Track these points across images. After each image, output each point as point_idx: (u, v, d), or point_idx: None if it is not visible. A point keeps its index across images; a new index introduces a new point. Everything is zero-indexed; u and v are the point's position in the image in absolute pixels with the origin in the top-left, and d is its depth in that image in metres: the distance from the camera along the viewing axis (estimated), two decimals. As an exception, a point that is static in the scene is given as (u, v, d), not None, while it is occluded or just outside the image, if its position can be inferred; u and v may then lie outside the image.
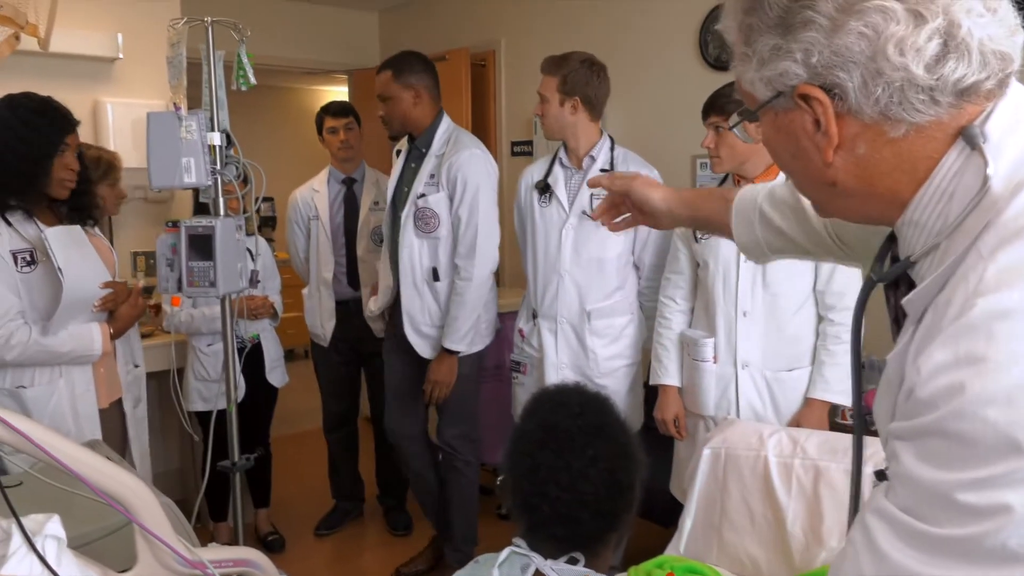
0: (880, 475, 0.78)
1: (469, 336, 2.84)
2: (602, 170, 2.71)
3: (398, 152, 3.00)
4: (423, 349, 2.92)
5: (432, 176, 2.80)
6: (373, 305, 3.17)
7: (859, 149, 0.73)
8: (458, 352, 2.84)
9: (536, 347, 2.82)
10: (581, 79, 2.67)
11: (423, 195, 2.80)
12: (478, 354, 2.97)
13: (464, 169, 2.77)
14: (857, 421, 0.91)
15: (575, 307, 2.72)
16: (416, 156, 2.88)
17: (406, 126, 2.88)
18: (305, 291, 3.67)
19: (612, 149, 2.75)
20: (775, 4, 0.73)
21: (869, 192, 0.75)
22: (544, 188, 2.77)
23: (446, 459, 3.06)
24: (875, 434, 0.81)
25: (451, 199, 2.79)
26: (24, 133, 2.14)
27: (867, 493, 0.76)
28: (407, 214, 2.82)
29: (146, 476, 2.56)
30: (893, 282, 0.81)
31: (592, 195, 2.68)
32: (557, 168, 2.78)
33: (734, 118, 0.88)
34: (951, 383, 0.60)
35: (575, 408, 1.20)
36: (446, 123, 2.89)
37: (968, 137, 0.69)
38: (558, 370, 2.75)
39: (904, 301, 0.72)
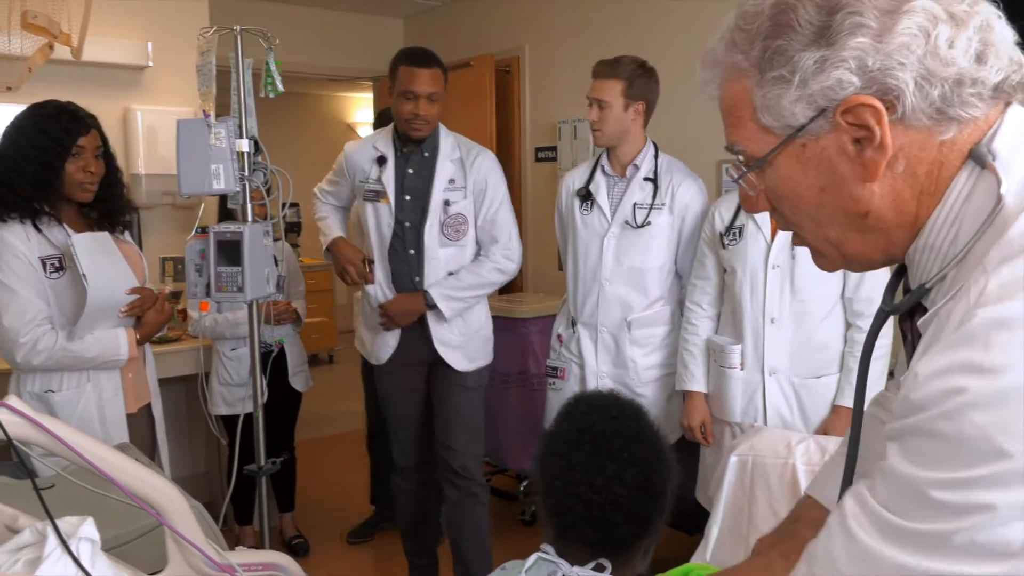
0: None
1: (456, 309, 2.71)
2: (646, 179, 2.67)
3: (381, 160, 2.72)
4: (458, 361, 2.76)
5: (452, 181, 2.69)
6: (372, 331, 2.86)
7: (898, 166, 0.72)
8: (433, 303, 2.68)
9: (575, 354, 2.77)
10: (644, 82, 2.63)
11: (448, 201, 2.69)
12: (485, 368, 2.86)
13: (492, 172, 2.74)
14: (854, 431, 0.89)
15: (616, 317, 2.67)
16: (417, 161, 2.70)
17: (432, 130, 2.70)
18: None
19: (656, 157, 2.70)
20: (809, 19, 0.71)
21: (897, 221, 0.74)
22: (586, 195, 2.72)
23: (460, 486, 2.79)
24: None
25: (475, 203, 2.72)
26: (37, 137, 2.17)
27: None
28: (431, 223, 2.67)
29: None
30: (908, 312, 0.81)
31: (635, 204, 2.64)
32: (599, 175, 2.72)
33: (736, 168, 0.82)
34: (944, 387, 0.61)
35: (612, 411, 1.20)
36: (442, 127, 2.76)
37: (977, 156, 0.70)
38: (598, 378, 2.71)
39: (920, 323, 0.72)
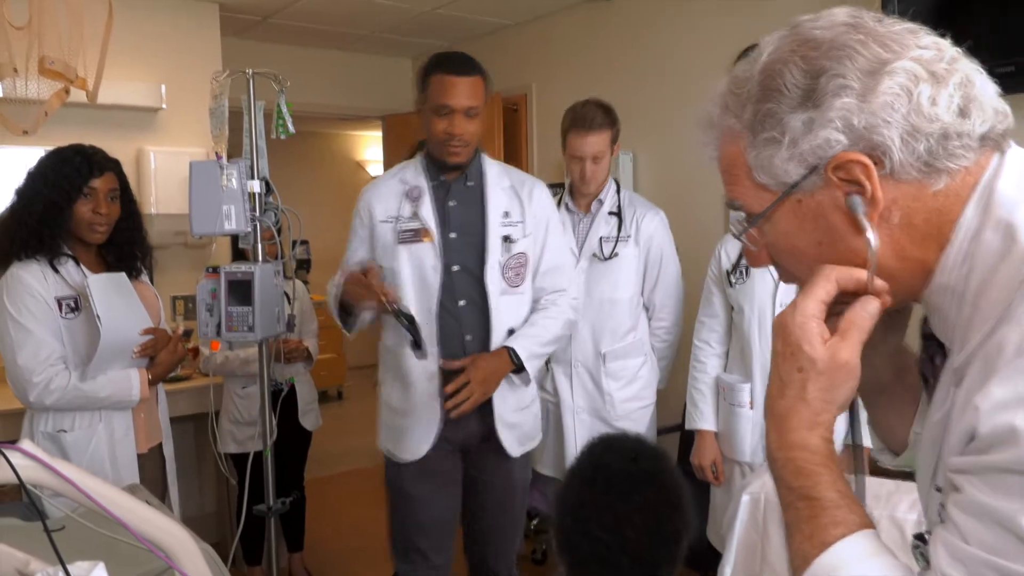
0: (920, 538, 0.78)
1: (536, 372, 2.27)
2: (610, 213, 2.74)
3: (413, 193, 2.21)
4: (511, 443, 2.25)
5: (507, 214, 2.24)
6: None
7: (893, 218, 0.74)
8: (521, 364, 2.18)
9: (551, 392, 2.80)
10: (618, 123, 2.72)
11: (509, 238, 2.23)
12: (530, 453, 2.40)
13: (552, 207, 2.37)
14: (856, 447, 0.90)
15: (589, 350, 2.73)
16: (460, 191, 2.24)
17: (471, 153, 2.23)
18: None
19: (618, 192, 2.78)
20: (796, 83, 0.74)
21: (901, 267, 0.75)
22: None
23: None
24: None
25: (534, 242, 2.29)
26: (51, 177, 2.23)
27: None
28: (491, 264, 2.19)
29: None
30: (928, 356, 0.82)
31: (601, 238, 2.71)
32: (563, 213, 2.77)
33: (737, 225, 0.84)
34: (1016, 421, 0.61)
35: (630, 453, 1.21)
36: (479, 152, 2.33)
37: (986, 191, 0.72)
38: (575, 414, 2.74)
39: (957, 367, 0.71)
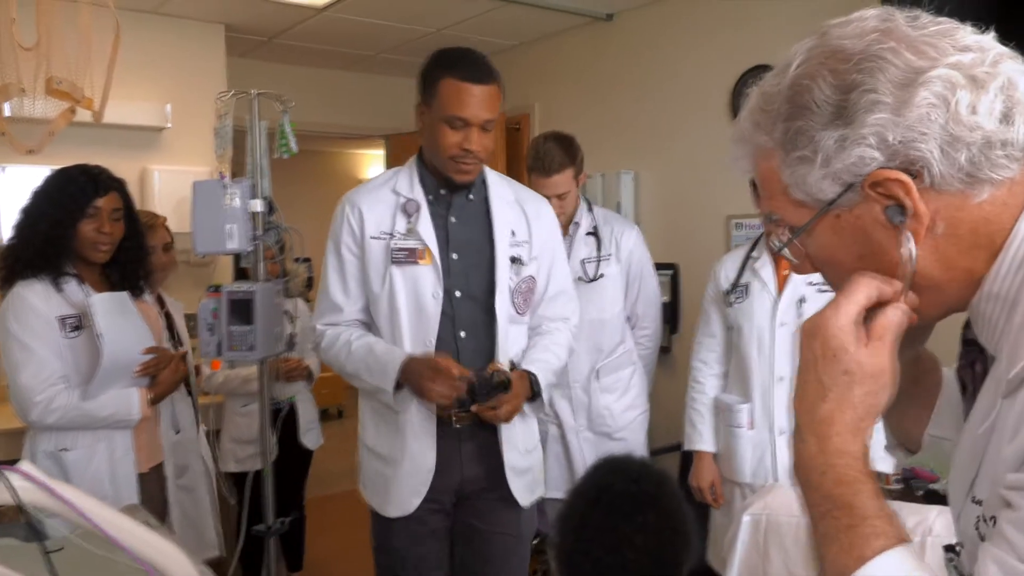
0: (951, 549, 0.77)
1: (548, 397, 2.03)
2: (588, 233, 2.77)
3: (409, 207, 1.94)
4: (522, 493, 2.00)
5: (514, 233, 2.00)
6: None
7: (938, 228, 0.71)
8: (539, 391, 1.95)
9: (551, 415, 2.81)
10: (581, 154, 2.74)
11: (518, 260, 2.00)
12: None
13: (557, 227, 2.17)
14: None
15: (584, 370, 2.76)
16: (461, 207, 2.00)
17: (480, 170, 1.99)
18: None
19: (591, 211, 2.81)
20: (826, 99, 0.72)
21: (948, 278, 0.73)
22: None
23: None
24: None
25: (539, 265, 2.08)
26: (55, 196, 2.25)
27: (928, 562, 0.75)
28: (501, 290, 1.95)
29: (210, 540, 2.57)
30: (968, 363, 0.80)
31: (583, 260, 2.74)
32: None
33: (777, 241, 0.81)
34: None
35: (633, 474, 1.22)
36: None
37: None
38: (578, 434, 2.77)
39: (1012, 377, 0.69)
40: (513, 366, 1.97)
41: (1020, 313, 0.69)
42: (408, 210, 1.94)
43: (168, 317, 2.76)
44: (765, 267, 2.36)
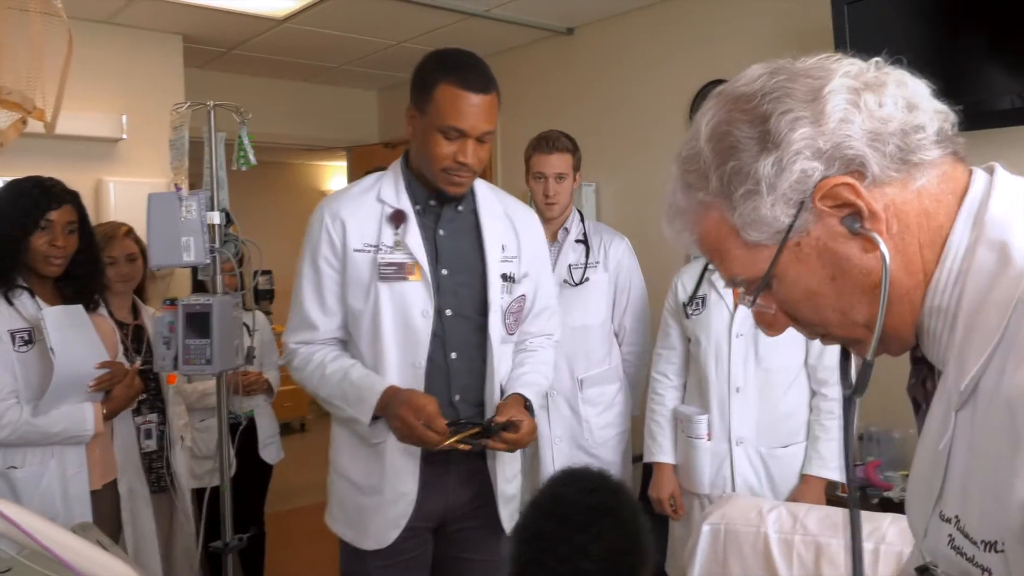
0: (923, 571, 0.76)
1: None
2: (577, 240, 2.78)
3: (397, 217, 1.81)
4: (507, 519, 1.91)
5: (504, 248, 1.90)
6: None
7: (893, 227, 0.73)
8: (533, 410, 1.86)
9: None
10: (580, 154, 2.78)
11: (510, 277, 1.89)
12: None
13: (543, 239, 2.08)
14: (851, 495, 0.90)
15: (566, 378, 2.74)
16: (451, 219, 1.87)
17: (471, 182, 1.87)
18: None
19: (583, 221, 2.83)
20: (747, 135, 0.74)
21: (914, 283, 0.74)
22: None
23: None
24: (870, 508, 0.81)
25: (530, 280, 1.98)
26: (7, 209, 2.21)
27: (880, 570, 0.74)
28: (495, 309, 1.85)
29: (151, 555, 2.51)
30: (920, 381, 0.81)
31: (570, 265, 2.74)
32: None
33: (745, 297, 0.81)
34: None
35: (589, 484, 1.22)
36: None
37: (974, 210, 0.72)
38: (553, 444, 2.74)
39: (963, 389, 0.69)
40: (502, 391, 1.89)
41: (961, 325, 0.71)
42: (394, 221, 1.81)
43: (140, 329, 2.73)
44: (721, 279, 2.39)
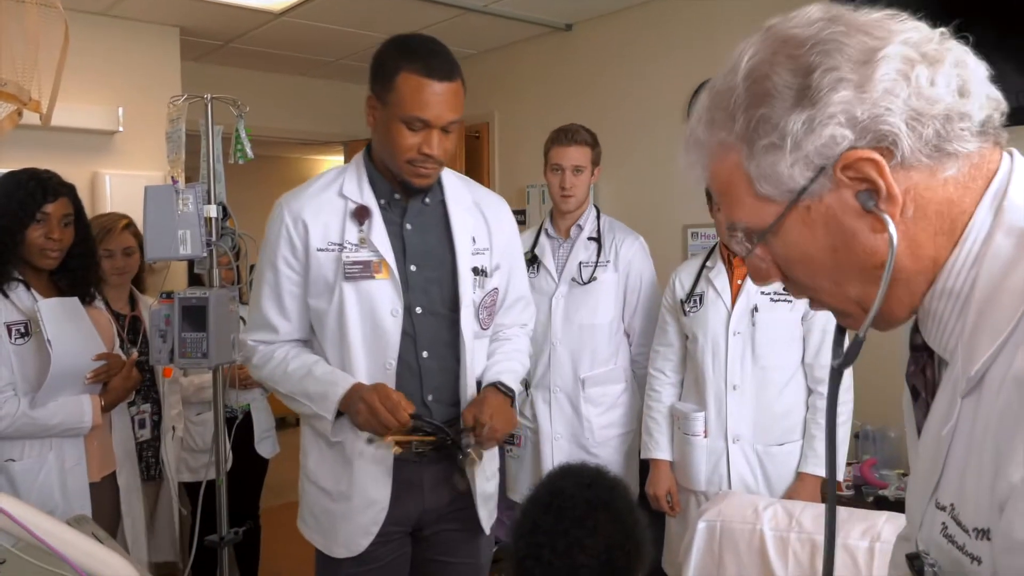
0: (914, 558, 0.76)
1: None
2: (590, 238, 2.75)
3: (360, 213, 1.75)
4: (486, 519, 1.87)
5: (474, 240, 1.84)
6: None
7: (908, 211, 0.71)
8: (514, 395, 1.83)
9: (530, 418, 2.80)
10: (600, 150, 2.77)
11: (481, 270, 1.84)
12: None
13: (515, 228, 2.02)
14: (831, 492, 0.89)
15: (569, 376, 2.72)
16: (417, 212, 1.81)
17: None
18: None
19: (599, 218, 2.81)
20: (786, 84, 0.71)
21: (917, 269, 0.72)
22: (532, 259, 2.78)
23: None
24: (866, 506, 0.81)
25: (502, 272, 1.94)
26: (4, 202, 2.20)
27: (875, 568, 0.74)
28: (466, 304, 1.79)
29: (142, 545, 2.51)
30: (920, 368, 0.79)
31: (581, 263, 2.72)
32: (543, 239, 2.81)
33: (742, 245, 0.79)
34: None
35: (586, 479, 1.22)
36: None
37: (998, 194, 0.70)
38: (553, 441, 2.73)
39: (973, 375, 0.68)
40: (478, 385, 1.84)
41: (973, 311, 0.69)
42: (357, 217, 1.74)
43: (137, 320, 2.72)
44: (720, 276, 2.39)
